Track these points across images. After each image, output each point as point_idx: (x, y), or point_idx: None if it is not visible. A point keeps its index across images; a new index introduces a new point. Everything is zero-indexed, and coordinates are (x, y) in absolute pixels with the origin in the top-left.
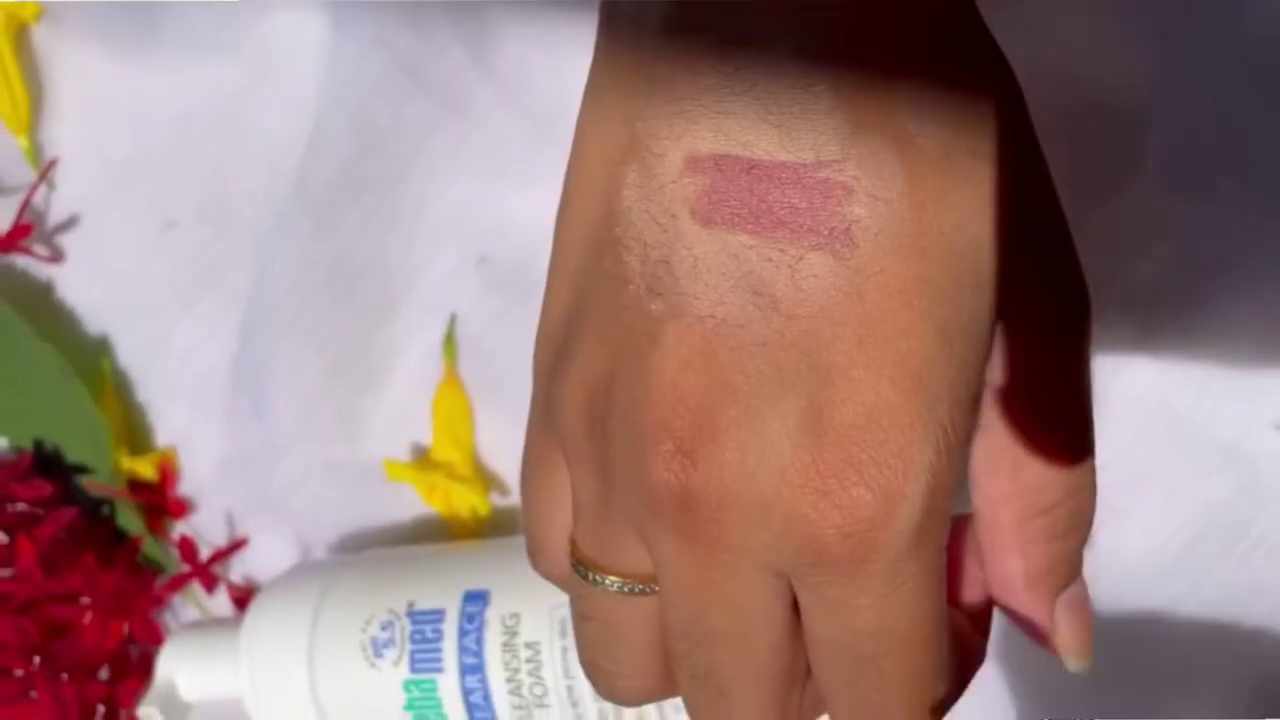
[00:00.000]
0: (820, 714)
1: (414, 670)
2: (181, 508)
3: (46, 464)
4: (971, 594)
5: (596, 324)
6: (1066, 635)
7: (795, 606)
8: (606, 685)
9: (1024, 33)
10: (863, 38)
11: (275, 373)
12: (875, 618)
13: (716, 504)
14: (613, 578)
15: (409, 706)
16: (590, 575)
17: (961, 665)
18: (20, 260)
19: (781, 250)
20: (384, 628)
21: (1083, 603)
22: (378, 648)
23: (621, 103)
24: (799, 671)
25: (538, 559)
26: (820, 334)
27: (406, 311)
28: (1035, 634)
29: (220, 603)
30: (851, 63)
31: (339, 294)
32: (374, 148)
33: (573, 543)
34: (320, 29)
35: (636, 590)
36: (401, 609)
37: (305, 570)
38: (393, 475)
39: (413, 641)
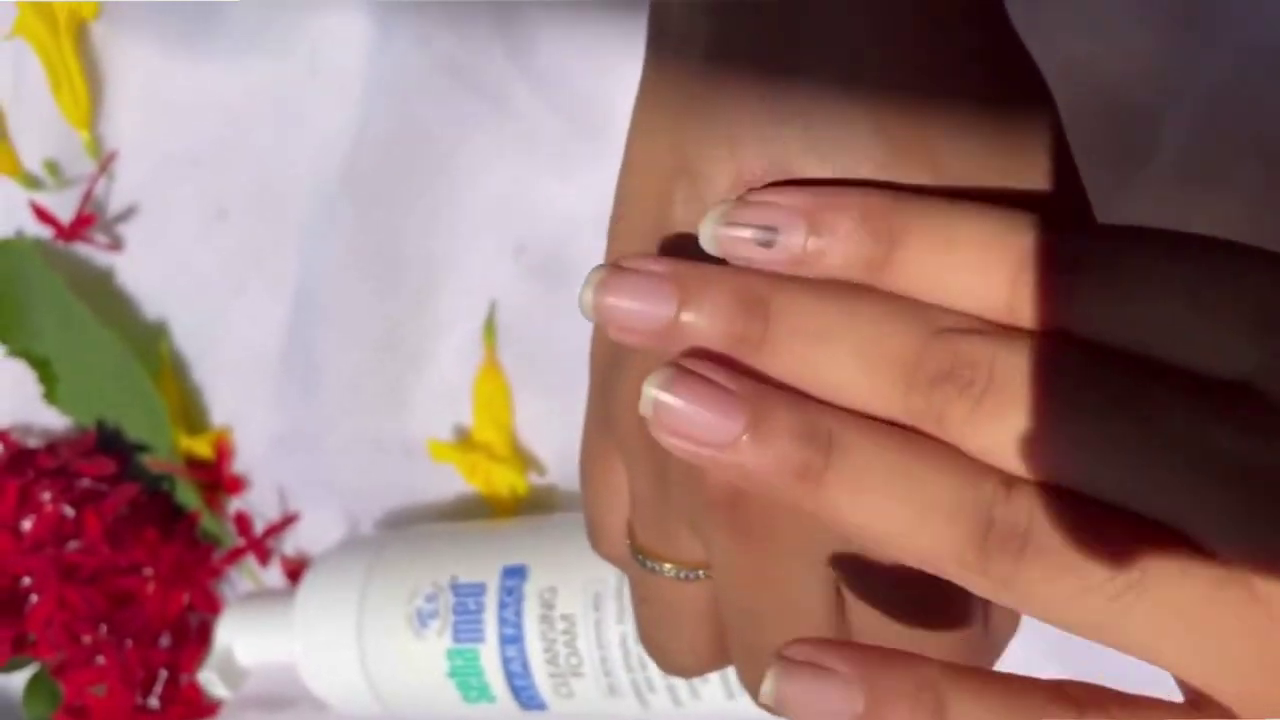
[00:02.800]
0: None
1: (456, 640)
2: (236, 484)
3: (109, 442)
4: None
5: None
6: None
7: (839, 591)
8: (664, 660)
9: (1040, 28)
10: (899, 65)
11: (324, 356)
12: (913, 610)
13: (765, 505)
14: (669, 565)
15: (452, 674)
16: (648, 563)
17: (995, 635)
18: (82, 249)
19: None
20: (428, 600)
21: None
22: (422, 619)
23: (670, 122)
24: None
25: (598, 543)
26: None
27: (448, 298)
28: None
29: (274, 574)
30: (888, 90)
31: (384, 281)
32: (417, 141)
33: (631, 532)
34: (366, 29)
35: (691, 576)
36: (445, 582)
37: (354, 545)
38: (436, 455)
39: (455, 613)
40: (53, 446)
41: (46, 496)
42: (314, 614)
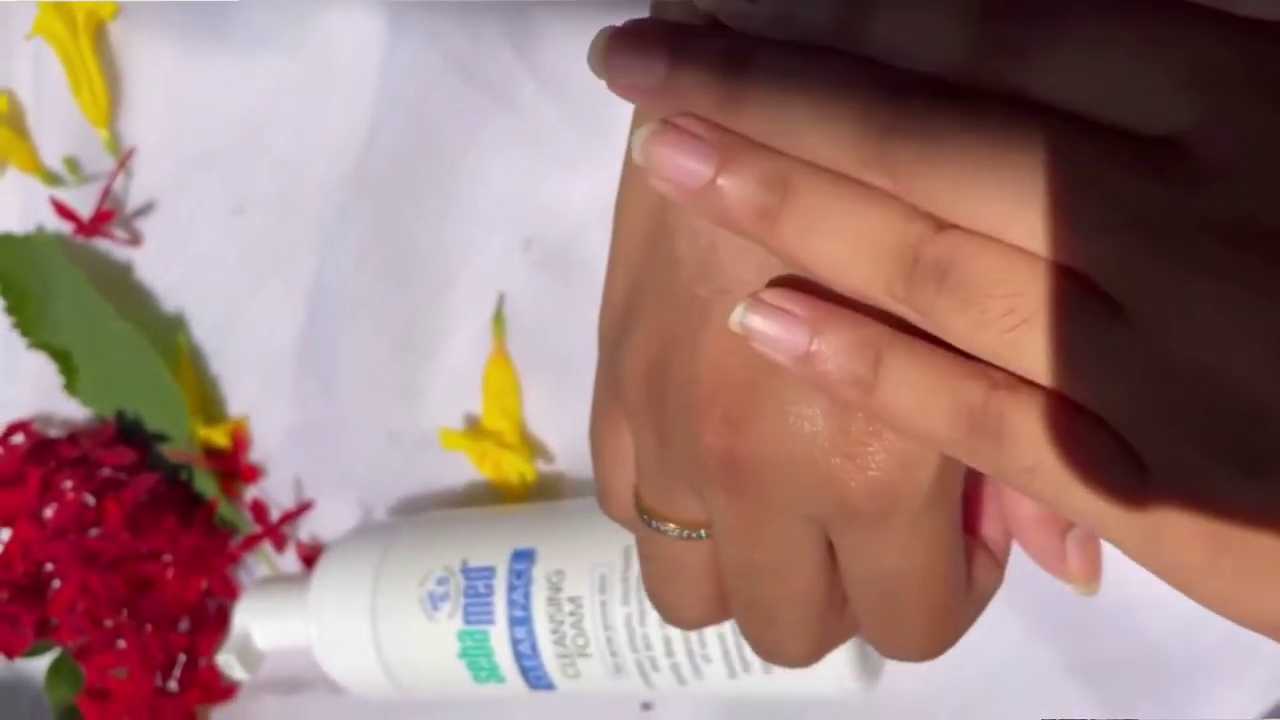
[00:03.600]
0: (855, 632)
1: (467, 622)
2: (253, 473)
3: (129, 433)
4: (992, 528)
5: (653, 304)
6: (1076, 566)
7: (830, 546)
8: (669, 614)
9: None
10: None
11: (339, 348)
12: (898, 561)
13: (758, 466)
14: (672, 525)
15: (463, 655)
16: (653, 523)
17: (979, 591)
18: (102, 244)
19: None
20: (439, 583)
21: (1091, 538)
22: (434, 601)
23: None
24: (835, 598)
25: (606, 503)
26: None
27: (459, 291)
28: (1048, 565)
29: (289, 560)
30: None
31: (397, 275)
32: (428, 139)
33: (636, 494)
34: (378, 29)
35: (693, 535)
36: (456, 566)
37: (367, 531)
38: (447, 444)
39: (466, 596)
40: (74, 436)
41: (68, 485)
42: (329, 598)
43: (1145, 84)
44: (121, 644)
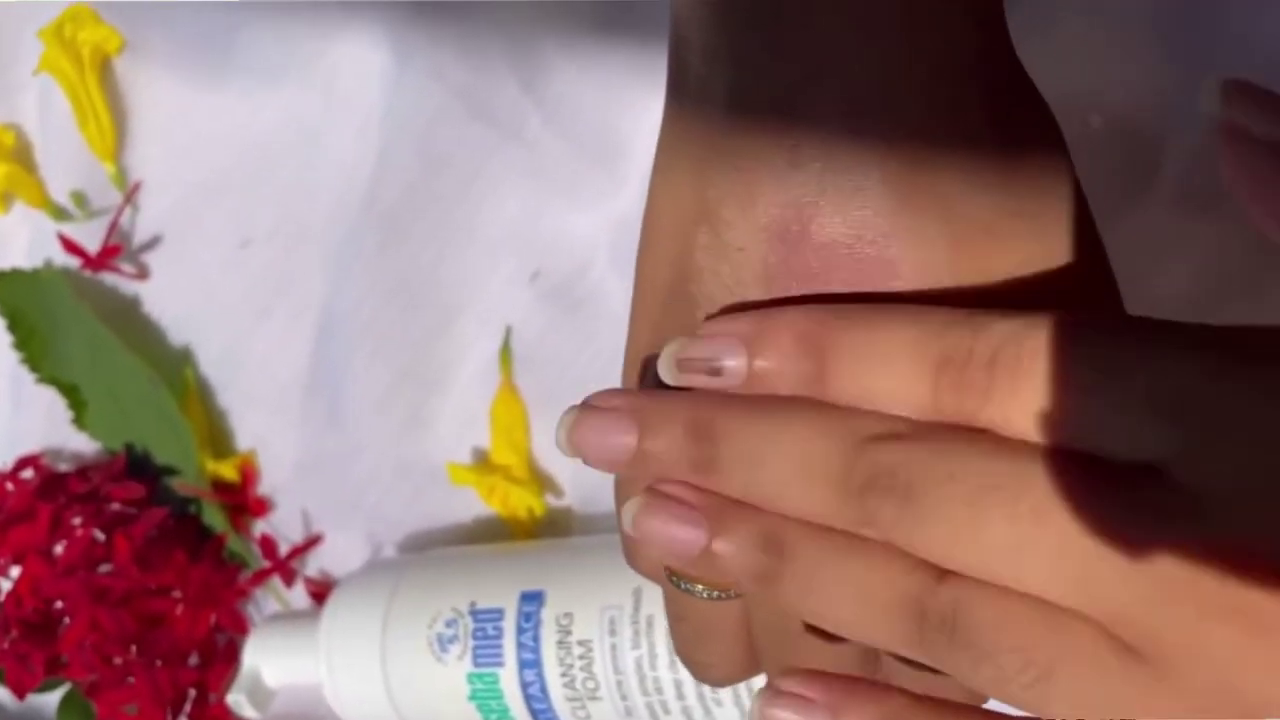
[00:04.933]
0: None
1: (476, 664)
2: (262, 507)
3: (138, 466)
4: None
5: None
6: None
7: None
8: (700, 673)
9: (1044, 57)
10: (913, 113)
11: (346, 381)
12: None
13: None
14: (701, 586)
15: (473, 697)
16: (681, 583)
17: None
18: (109, 278)
19: None
20: (448, 625)
21: None
22: (443, 643)
23: (691, 169)
24: (871, 659)
25: (634, 559)
26: None
27: (466, 323)
28: None
29: (298, 594)
30: (900, 139)
31: (404, 307)
32: (435, 171)
33: None
34: (382, 62)
35: (723, 596)
36: (464, 607)
37: (376, 569)
38: (455, 479)
39: (475, 638)
40: (83, 471)
41: (78, 521)
42: (338, 639)
43: (1116, 417)
44: (132, 680)
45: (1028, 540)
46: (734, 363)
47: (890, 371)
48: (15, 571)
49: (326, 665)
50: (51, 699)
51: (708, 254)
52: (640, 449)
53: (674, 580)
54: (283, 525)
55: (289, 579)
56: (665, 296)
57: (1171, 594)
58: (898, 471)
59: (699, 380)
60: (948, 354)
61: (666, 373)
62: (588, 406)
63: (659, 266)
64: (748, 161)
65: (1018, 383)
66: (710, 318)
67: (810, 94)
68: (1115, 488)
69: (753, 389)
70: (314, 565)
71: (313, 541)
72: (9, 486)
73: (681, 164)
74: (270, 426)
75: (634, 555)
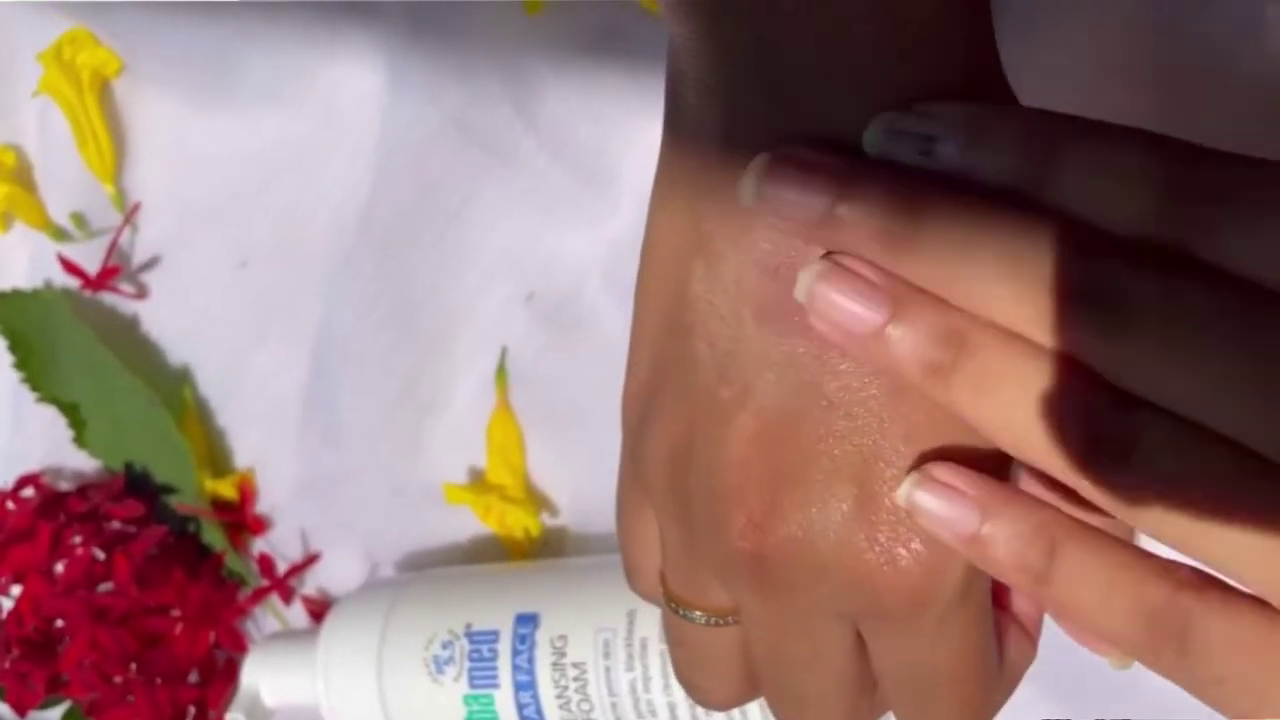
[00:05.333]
0: (885, 711)
1: (472, 686)
2: (260, 525)
3: (137, 485)
4: (1024, 602)
5: (674, 394)
6: None
7: (860, 637)
8: (699, 697)
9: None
10: None
11: (343, 401)
12: (928, 655)
13: (786, 567)
14: (699, 612)
15: (469, 718)
16: (680, 610)
17: (1011, 668)
18: (108, 298)
19: (835, 358)
20: (444, 647)
21: None
22: (439, 665)
23: (687, 200)
24: (866, 683)
25: (635, 583)
26: (872, 430)
27: (462, 344)
28: (1083, 639)
29: (297, 613)
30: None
31: (400, 328)
32: (430, 194)
33: (663, 580)
34: (378, 86)
35: (721, 622)
36: (460, 629)
37: (372, 590)
38: (451, 498)
39: (470, 660)
40: (83, 489)
41: (78, 540)
42: (335, 660)
43: None
44: (131, 699)
45: (1228, 377)
46: (950, 145)
47: (1118, 188)
48: (16, 590)
49: (324, 685)
50: (52, 716)
51: (703, 284)
52: (834, 212)
53: (673, 606)
54: (281, 544)
55: (287, 597)
56: (663, 325)
57: None
58: (1114, 290)
59: (905, 154)
60: (1176, 183)
61: (872, 139)
62: (785, 155)
63: (657, 296)
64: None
65: (1234, 224)
66: (920, 101)
67: (802, 129)
68: None
69: (965, 176)
70: (312, 583)
71: (311, 560)
72: (9, 505)
73: (678, 196)
74: (268, 445)
75: (634, 577)
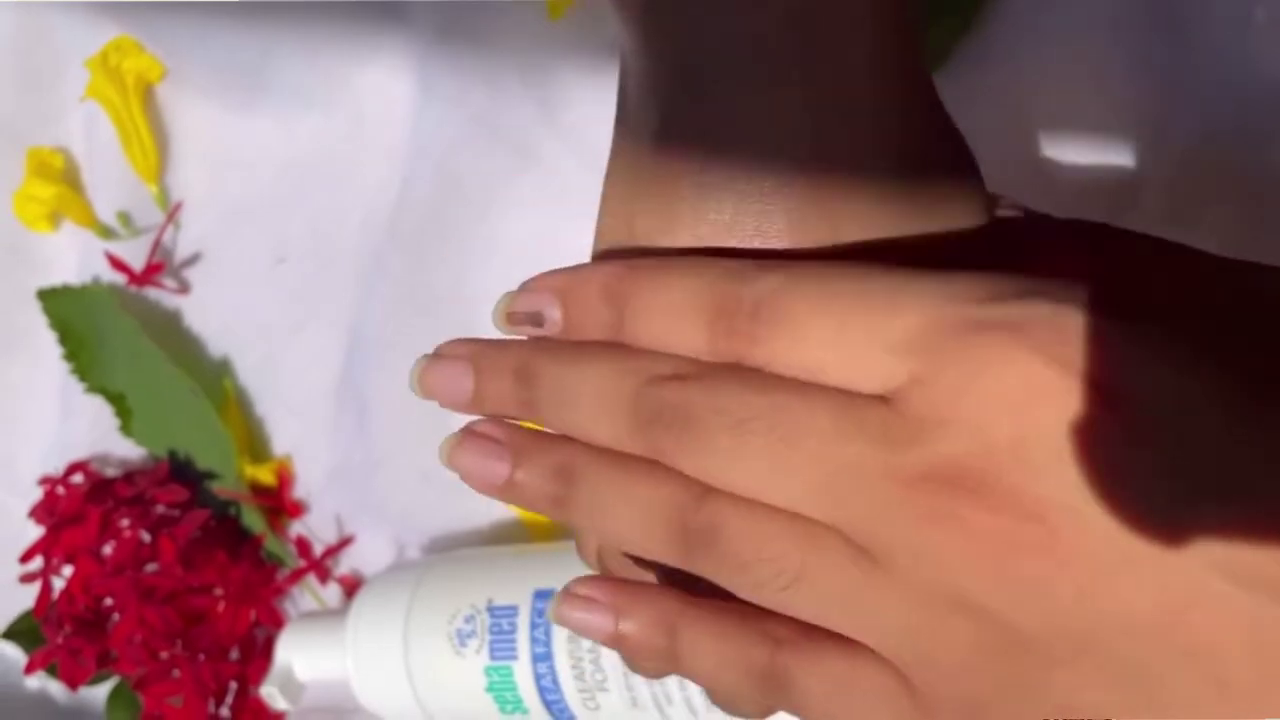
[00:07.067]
0: None
1: (493, 658)
2: (297, 509)
3: (180, 471)
4: None
5: None
6: None
7: None
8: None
9: (1030, 70)
10: (823, 149)
11: (373, 391)
12: None
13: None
14: None
15: (490, 689)
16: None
17: None
18: (152, 293)
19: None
20: (467, 621)
21: None
22: (462, 638)
23: (625, 197)
24: None
25: (582, 554)
26: None
27: (487, 335)
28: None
29: (333, 592)
30: (802, 172)
31: (429, 321)
32: (456, 192)
33: (600, 555)
34: (407, 89)
35: None
36: (482, 605)
37: (399, 569)
38: None
39: (491, 633)
40: (129, 475)
41: (125, 523)
42: (364, 635)
43: (857, 356)
44: (176, 674)
45: (781, 462)
46: (551, 313)
47: (674, 319)
48: (68, 571)
49: (353, 659)
50: (101, 691)
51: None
52: (475, 392)
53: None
54: (317, 527)
55: (323, 577)
56: None
57: (895, 504)
58: (677, 407)
59: (525, 329)
60: (721, 303)
61: (498, 323)
62: (436, 354)
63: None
64: (669, 193)
65: (776, 329)
66: (531, 279)
67: (731, 132)
68: (854, 416)
69: (569, 336)
70: (346, 564)
71: (345, 542)
72: (60, 491)
73: (619, 188)
74: (304, 433)
75: (582, 551)
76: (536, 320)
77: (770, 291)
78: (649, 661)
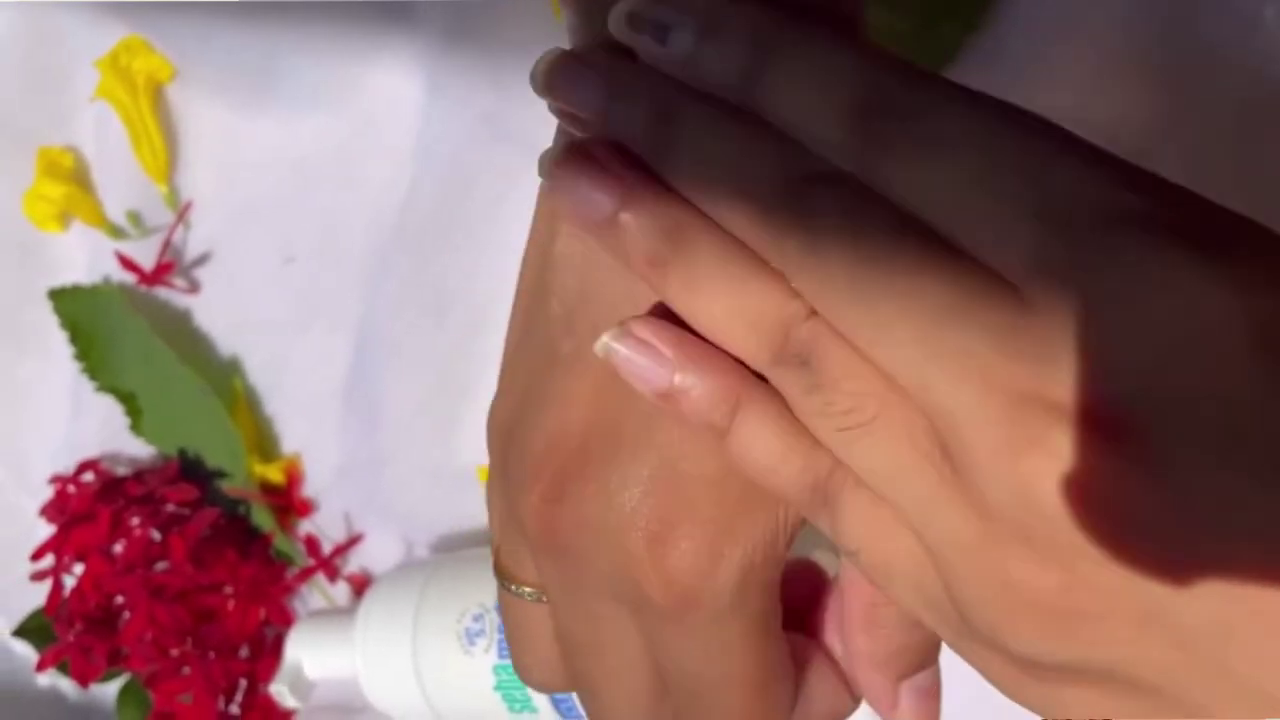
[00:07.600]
0: None
1: (501, 656)
2: (306, 508)
3: (190, 470)
4: (840, 646)
5: (523, 361)
6: (908, 713)
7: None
8: (523, 674)
9: (1032, 70)
10: None
11: (381, 390)
12: (698, 663)
13: (570, 539)
14: (526, 587)
15: (498, 687)
16: (509, 584)
17: (817, 714)
18: (162, 292)
19: None
20: (475, 619)
21: (931, 691)
22: (470, 637)
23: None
24: (659, 689)
25: (494, 560)
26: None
27: (493, 334)
28: (878, 706)
29: (341, 590)
30: None
31: (435, 320)
32: (464, 192)
33: (495, 553)
34: (415, 90)
35: (542, 599)
36: (490, 603)
37: (408, 569)
38: (485, 479)
39: (499, 632)
40: (140, 474)
41: (135, 522)
42: (373, 634)
43: (985, 211)
44: (187, 671)
45: (897, 317)
46: (684, 34)
47: (818, 94)
48: (79, 569)
49: (362, 658)
50: (111, 688)
51: (565, 242)
52: (604, 110)
53: (502, 580)
54: (326, 525)
55: (332, 576)
56: (532, 288)
57: (1000, 425)
58: (813, 223)
59: (644, 40)
60: (867, 99)
61: (615, 23)
62: (570, 53)
63: (529, 264)
64: None
65: (921, 149)
66: None
67: None
68: (980, 295)
69: (694, 68)
70: (355, 563)
71: (354, 541)
72: (71, 489)
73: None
74: (313, 432)
75: (494, 555)
76: (660, 36)
77: (929, 102)
78: (706, 431)
